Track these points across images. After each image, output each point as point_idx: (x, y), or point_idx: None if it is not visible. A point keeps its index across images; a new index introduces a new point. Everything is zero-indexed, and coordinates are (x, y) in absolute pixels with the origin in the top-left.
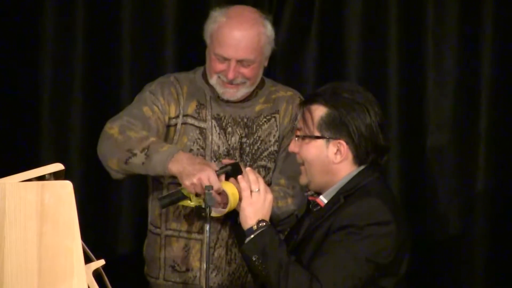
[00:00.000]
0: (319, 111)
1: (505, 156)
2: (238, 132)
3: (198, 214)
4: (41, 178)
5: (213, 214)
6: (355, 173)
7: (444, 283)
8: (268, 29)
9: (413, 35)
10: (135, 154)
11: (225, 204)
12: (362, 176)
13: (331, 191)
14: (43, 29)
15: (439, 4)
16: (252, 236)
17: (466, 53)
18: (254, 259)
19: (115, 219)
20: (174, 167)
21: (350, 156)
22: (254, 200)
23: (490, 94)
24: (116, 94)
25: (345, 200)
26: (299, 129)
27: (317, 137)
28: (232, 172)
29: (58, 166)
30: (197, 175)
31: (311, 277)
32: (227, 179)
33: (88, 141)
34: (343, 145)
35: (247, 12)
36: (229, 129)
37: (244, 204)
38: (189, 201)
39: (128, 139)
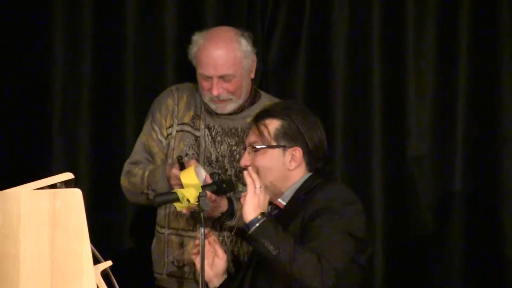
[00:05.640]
0: (274, 124)
1: (480, 162)
2: (227, 141)
3: (192, 215)
4: (52, 186)
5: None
6: (307, 176)
7: (424, 281)
8: (243, 44)
9: (395, 52)
10: (147, 193)
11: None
12: (314, 178)
13: (288, 194)
14: (53, 47)
15: (419, 24)
16: (257, 224)
17: (444, 68)
18: (263, 241)
19: (122, 223)
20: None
21: (303, 163)
22: (258, 194)
23: (466, 105)
24: (121, 108)
25: (305, 196)
26: (252, 143)
27: (274, 147)
28: (221, 189)
29: (68, 175)
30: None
31: (317, 254)
32: (217, 194)
33: (95, 151)
34: (299, 152)
35: (222, 32)
36: (218, 138)
37: (249, 197)
38: (180, 204)
39: (134, 186)
